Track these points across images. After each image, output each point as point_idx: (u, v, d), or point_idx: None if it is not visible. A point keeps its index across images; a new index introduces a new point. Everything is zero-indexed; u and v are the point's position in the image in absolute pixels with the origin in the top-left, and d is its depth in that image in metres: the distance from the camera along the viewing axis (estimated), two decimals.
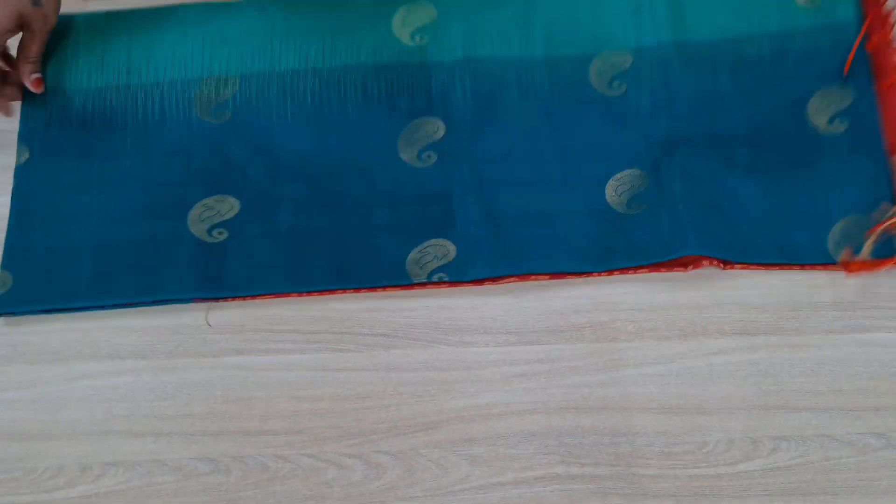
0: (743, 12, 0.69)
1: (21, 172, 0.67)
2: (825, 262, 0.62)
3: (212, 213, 0.66)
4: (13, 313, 0.63)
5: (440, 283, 0.63)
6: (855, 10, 0.68)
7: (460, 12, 0.71)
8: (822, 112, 0.65)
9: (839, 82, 0.66)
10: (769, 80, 0.67)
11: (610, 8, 0.70)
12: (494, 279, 0.63)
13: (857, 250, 0.62)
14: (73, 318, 0.63)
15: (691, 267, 0.63)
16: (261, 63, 0.70)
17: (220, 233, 0.65)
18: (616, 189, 0.66)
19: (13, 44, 0.68)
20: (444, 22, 0.71)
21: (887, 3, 0.68)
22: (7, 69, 0.69)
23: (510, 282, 0.63)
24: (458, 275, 0.62)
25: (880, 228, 0.62)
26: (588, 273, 0.63)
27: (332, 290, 0.63)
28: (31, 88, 0.67)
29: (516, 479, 0.57)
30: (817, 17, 0.68)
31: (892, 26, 0.67)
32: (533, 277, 0.63)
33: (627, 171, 0.66)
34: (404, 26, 0.71)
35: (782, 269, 0.63)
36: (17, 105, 0.69)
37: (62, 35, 0.72)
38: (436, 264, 0.63)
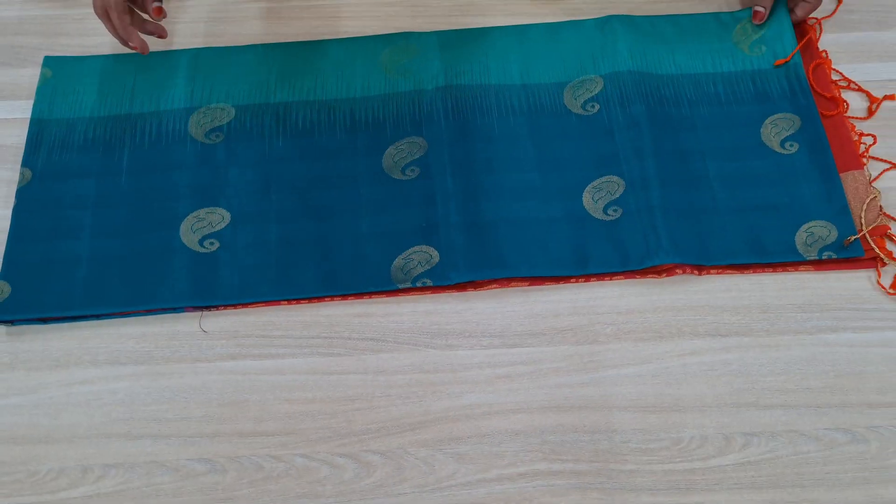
0: (698, 56, 0.77)
1: (23, 193, 0.70)
2: (795, 259, 0.66)
3: (203, 224, 0.68)
4: (11, 322, 0.65)
5: (424, 287, 0.65)
6: (795, 54, 0.76)
7: (442, 50, 0.77)
8: (775, 136, 0.71)
9: (786, 111, 0.73)
10: (725, 109, 0.73)
11: (579, 46, 0.77)
12: (477, 285, 0.66)
13: (822, 251, 0.66)
14: (72, 327, 0.65)
15: (665, 274, 0.66)
16: (257, 97, 0.75)
17: (211, 243, 0.68)
18: (593, 196, 0.69)
19: None
20: (427, 58, 0.77)
21: (818, 45, 0.77)
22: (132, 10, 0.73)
23: (492, 287, 0.66)
24: (441, 279, 0.65)
25: (853, 238, 0.66)
26: (566, 278, 0.66)
27: (320, 297, 0.66)
28: (153, 16, 0.71)
29: (500, 476, 0.59)
30: (762, 62, 0.76)
31: (829, 64, 0.75)
32: (514, 283, 0.66)
33: (604, 178, 0.70)
34: (390, 63, 0.76)
35: (755, 271, 0.66)
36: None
37: (69, 74, 0.77)
38: (420, 270, 0.66)
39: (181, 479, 0.59)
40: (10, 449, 0.60)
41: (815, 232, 0.67)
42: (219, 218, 0.69)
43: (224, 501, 0.59)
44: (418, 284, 0.65)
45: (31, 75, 0.78)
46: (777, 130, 0.72)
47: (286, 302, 0.66)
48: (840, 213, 0.67)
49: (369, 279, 0.66)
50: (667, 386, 0.62)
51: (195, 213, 0.69)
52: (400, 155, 0.71)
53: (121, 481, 0.59)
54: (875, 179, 0.70)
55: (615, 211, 0.68)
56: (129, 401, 0.62)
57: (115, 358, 0.64)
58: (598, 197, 0.69)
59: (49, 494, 0.59)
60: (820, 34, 0.78)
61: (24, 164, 0.72)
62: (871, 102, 0.74)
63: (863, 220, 0.67)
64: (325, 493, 0.59)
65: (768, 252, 0.66)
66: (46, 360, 0.64)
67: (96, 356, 0.64)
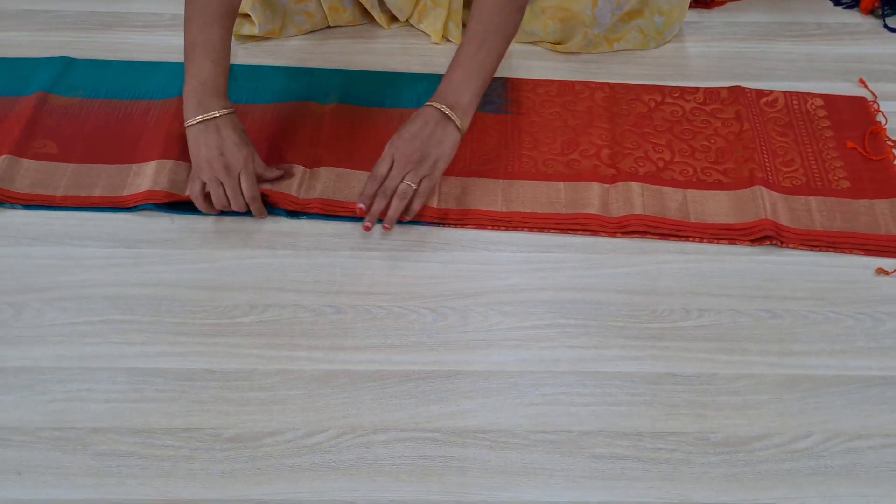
0: None
1: None
2: None
3: None
4: None
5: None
6: None
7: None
8: None
9: None
10: None
11: None
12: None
13: None
14: (242, 220, 0.95)
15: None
16: None
17: None
18: None
19: None
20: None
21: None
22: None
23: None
24: None
25: None
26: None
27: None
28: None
29: (533, 325, 0.87)
30: None
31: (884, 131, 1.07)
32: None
33: None
34: None
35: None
36: None
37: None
38: None
39: (316, 316, 0.87)
40: (201, 293, 0.89)
41: None
42: None
43: (345, 330, 0.86)
44: None
45: None
46: None
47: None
48: None
49: None
50: (647, 280, 0.91)
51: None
52: None
53: (275, 314, 0.87)
54: None
55: None
56: (281, 270, 0.91)
57: (271, 245, 0.94)
58: None
59: (227, 319, 0.87)
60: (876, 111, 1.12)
61: None
62: None
63: None
64: (413, 329, 0.86)
65: None
66: (225, 243, 0.93)
67: (259, 243, 0.94)
